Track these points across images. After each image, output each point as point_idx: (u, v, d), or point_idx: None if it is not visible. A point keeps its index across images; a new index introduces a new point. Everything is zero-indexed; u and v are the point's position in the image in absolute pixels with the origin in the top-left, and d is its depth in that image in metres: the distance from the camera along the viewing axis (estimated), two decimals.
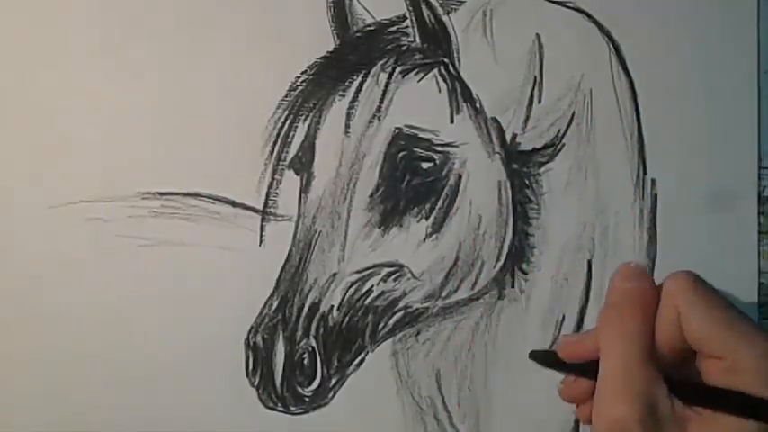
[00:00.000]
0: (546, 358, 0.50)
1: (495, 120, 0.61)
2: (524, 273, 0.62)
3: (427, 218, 0.60)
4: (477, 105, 0.61)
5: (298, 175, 0.61)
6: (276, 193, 0.61)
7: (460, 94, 0.61)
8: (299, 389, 0.60)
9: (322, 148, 0.61)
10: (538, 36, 0.62)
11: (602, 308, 0.46)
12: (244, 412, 0.61)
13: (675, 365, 0.45)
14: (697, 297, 0.44)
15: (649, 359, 0.44)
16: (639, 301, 0.45)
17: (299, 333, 0.60)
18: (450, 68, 0.61)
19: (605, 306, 0.46)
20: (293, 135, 0.61)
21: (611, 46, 0.62)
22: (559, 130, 0.61)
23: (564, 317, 0.62)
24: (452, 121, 0.60)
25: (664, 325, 0.44)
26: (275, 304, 0.60)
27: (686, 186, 0.63)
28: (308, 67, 0.61)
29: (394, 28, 0.61)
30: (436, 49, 0.61)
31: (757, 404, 0.42)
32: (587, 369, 0.46)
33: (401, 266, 0.60)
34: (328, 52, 0.61)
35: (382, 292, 0.60)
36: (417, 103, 0.60)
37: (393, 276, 0.60)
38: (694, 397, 0.44)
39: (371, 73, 0.61)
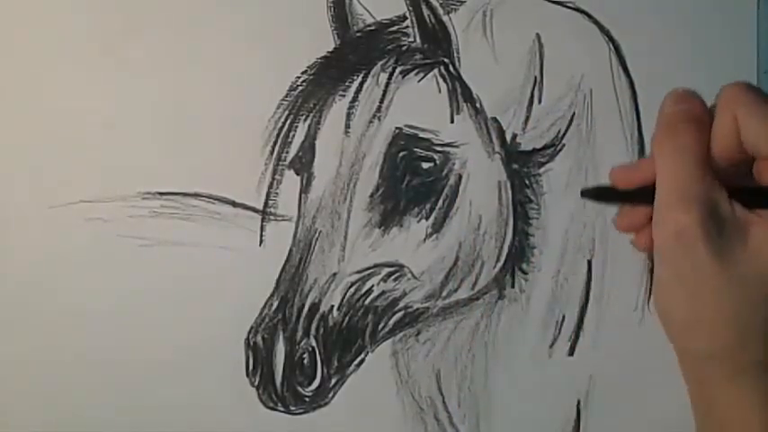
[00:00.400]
0: (598, 192, 0.50)
1: (496, 120, 0.61)
2: (524, 273, 0.62)
3: (427, 218, 0.60)
4: (478, 105, 0.61)
5: (298, 175, 0.61)
6: (276, 193, 0.61)
7: (461, 94, 0.61)
8: (299, 389, 0.60)
9: (322, 148, 0.61)
10: (538, 36, 0.62)
11: (653, 133, 0.46)
12: (244, 412, 0.61)
13: (732, 177, 0.45)
14: (755, 100, 0.44)
15: (706, 169, 0.44)
16: (693, 118, 0.45)
17: (299, 333, 0.60)
18: (451, 68, 0.61)
19: (657, 129, 0.46)
20: (293, 135, 0.61)
21: (611, 46, 0.62)
22: (559, 130, 0.62)
23: (564, 317, 0.62)
24: (452, 121, 0.60)
25: (720, 134, 0.44)
26: (275, 304, 0.60)
27: None
28: (308, 66, 0.61)
29: (394, 28, 0.61)
30: (436, 49, 0.61)
31: None
32: (643, 194, 0.46)
33: (401, 266, 0.60)
34: (328, 52, 0.61)
35: (382, 292, 0.60)
36: (417, 103, 0.60)
37: (393, 276, 0.60)
38: (756, 199, 0.44)
39: (371, 73, 0.61)
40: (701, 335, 0.45)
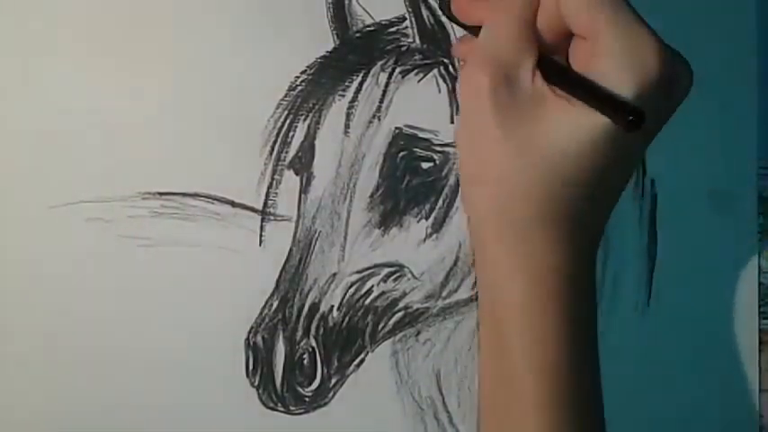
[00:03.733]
0: (449, 10, 0.49)
1: None
2: None
3: (427, 218, 0.60)
4: None
5: (297, 175, 0.61)
6: (276, 193, 0.61)
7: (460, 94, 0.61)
8: (299, 389, 0.60)
9: (322, 148, 0.61)
10: None
11: None
12: (244, 412, 0.61)
13: (553, 51, 0.45)
14: None
15: (524, 33, 0.44)
16: None
17: (299, 333, 0.60)
18: (450, 68, 0.61)
19: None
20: (293, 135, 0.61)
21: None
22: None
23: None
24: (452, 121, 0.60)
25: (545, 1, 0.44)
26: (275, 304, 0.60)
27: (686, 186, 0.63)
28: (307, 66, 0.61)
29: (393, 28, 0.61)
30: (436, 49, 0.61)
31: (601, 95, 0.41)
32: (479, 30, 0.46)
33: (401, 266, 0.60)
34: (328, 52, 0.61)
35: (382, 293, 0.60)
36: (417, 103, 0.60)
37: (393, 276, 0.60)
38: (554, 76, 0.43)
39: (371, 73, 0.61)
40: (475, 183, 0.45)
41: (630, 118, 0.40)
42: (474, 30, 0.47)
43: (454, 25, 0.61)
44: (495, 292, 0.45)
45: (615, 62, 0.42)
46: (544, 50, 0.44)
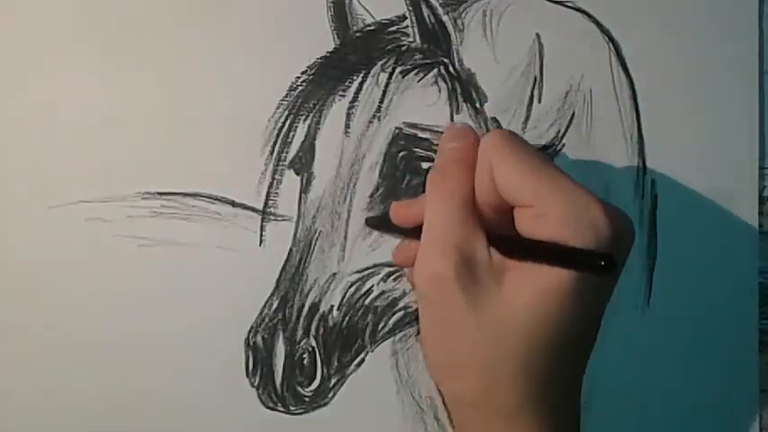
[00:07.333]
0: (380, 222, 0.51)
1: (495, 120, 0.61)
2: None
3: None
4: (477, 105, 0.61)
5: (298, 175, 0.61)
6: (276, 193, 0.61)
7: (460, 94, 0.61)
8: (299, 389, 0.60)
9: (322, 149, 0.61)
10: (538, 36, 0.62)
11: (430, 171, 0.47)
12: (244, 412, 0.61)
13: (496, 223, 0.46)
14: (507, 150, 0.44)
15: (469, 215, 0.45)
16: (461, 160, 0.46)
17: (299, 333, 0.60)
18: (450, 68, 0.61)
19: (432, 168, 0.47)
20: (293, 135, 0.61)
21: (611, 46, 0.62)
22: (559, 130, 0.62)
23: None
24: (452, 121, 0.60)
25: (481, 182, 0.45)
26: (275, 304, 0.60)
27: (686, 187, 0.63)
28: (308, 67, 0.61)
29: (394, 28, 0.61)
30: (436, 49, 0.61)
31: (566, 252, 0.42)
32: (417, 232, 0.47)
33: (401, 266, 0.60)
34: (328, 52, 0.61)
35: (382, 292, 0.60)
36: (417, 103, 0.60)
37: (393, 276, 0.60)
38: (511, 249, 0.44)
39: (371, 73, 0.61)
40: (454, 378, 0.45)
41: (602, 263, 0.41)
42: (413, 233, 0.48)
43: (453, 32, 0.61)
44: None
45: (568, 225, 0.42)
46: (487, 227, 0.45)
